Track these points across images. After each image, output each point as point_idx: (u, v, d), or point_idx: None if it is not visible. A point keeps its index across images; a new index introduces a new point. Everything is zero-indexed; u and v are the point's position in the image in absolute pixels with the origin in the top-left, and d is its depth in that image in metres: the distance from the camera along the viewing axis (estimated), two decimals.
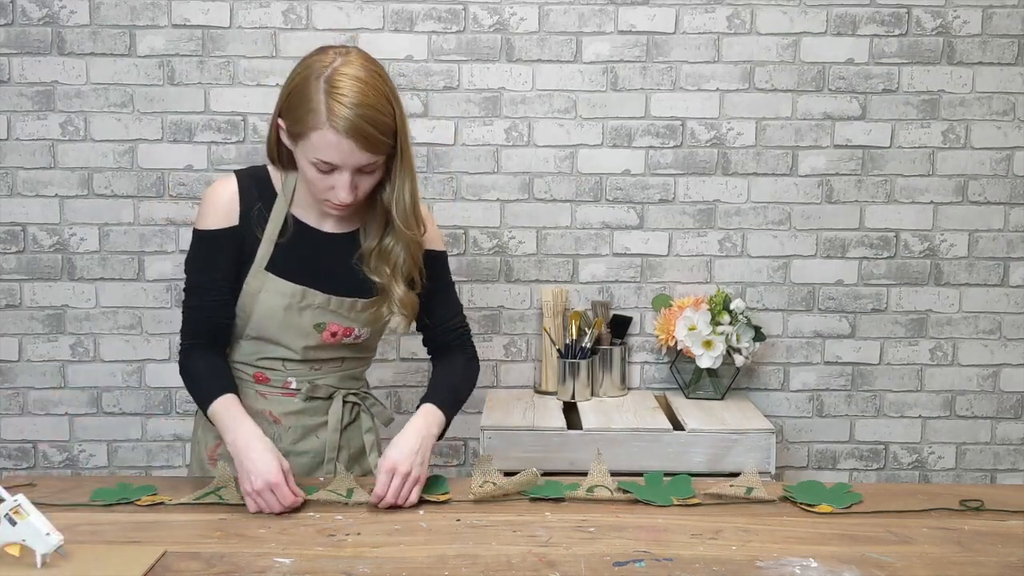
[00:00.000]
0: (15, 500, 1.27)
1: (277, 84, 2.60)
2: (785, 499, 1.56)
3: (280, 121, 1.58)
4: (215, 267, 1.65)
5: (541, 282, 2.68)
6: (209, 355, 1.68)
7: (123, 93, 2.60)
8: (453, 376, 1.76)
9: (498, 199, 2.65)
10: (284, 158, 1.65)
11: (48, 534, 1.26)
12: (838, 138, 2.65)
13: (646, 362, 2.73)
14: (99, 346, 2.67)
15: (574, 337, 2.56)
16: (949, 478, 2.74)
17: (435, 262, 1.76)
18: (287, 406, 1.72)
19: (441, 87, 2.61)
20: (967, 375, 2.72)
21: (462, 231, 2.66)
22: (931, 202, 2.67)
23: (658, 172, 2.66)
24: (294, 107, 1.53)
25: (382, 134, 1.52)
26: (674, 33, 2.61)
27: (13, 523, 1.26)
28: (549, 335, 2.61)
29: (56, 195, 2.63)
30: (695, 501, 1.55)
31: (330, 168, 1.53)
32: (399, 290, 1.66)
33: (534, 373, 2.71)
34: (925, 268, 2.69)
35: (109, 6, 2.57)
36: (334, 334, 1.69)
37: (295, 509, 1.51)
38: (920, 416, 2.73)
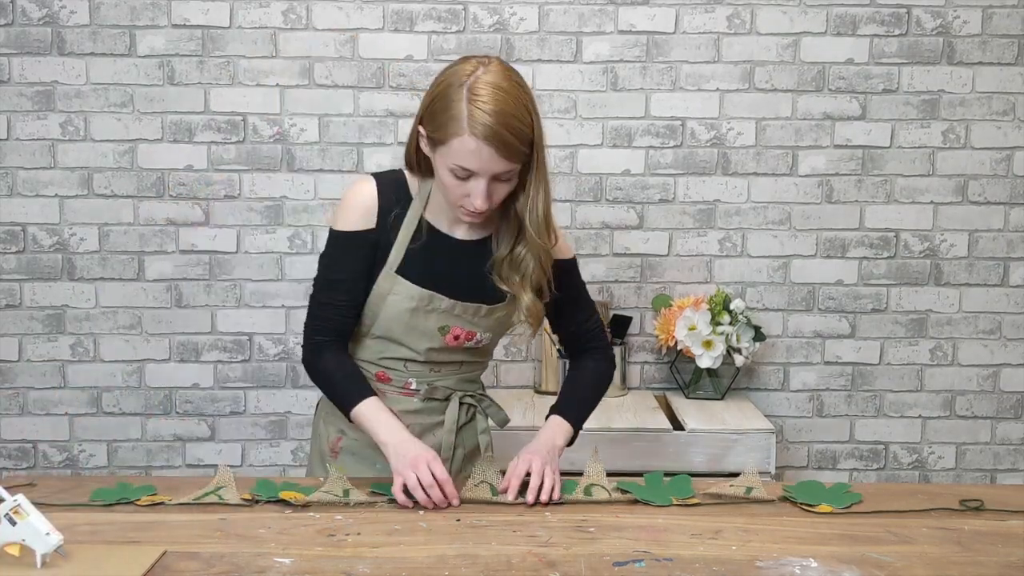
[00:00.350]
0: (15, 500, 1.27)
1: (277, 84, 2.60)
2: (785, 499, 1.56)
3: (421, 128, 1.60)
4: (349, 267, 1.67)
5: None
6: (340, 355, 1.70)
7: (123, 93, 2.60)
8: (583, 387, 1.81)
9: None
10: (422, 165, 1.67)
11: (48, 534, 1.26)
12: (838, 138, 2.65)
13: (646, 362, 2.72)
14: (99, 346, 2.67)
15: None
16: (949, 478, 2.74)
17: (566, 271, 1.78)
18: (406, 405, 1.74)
19: None
20: (967, 375, 2.72)
21: None
22: (931, 202, 2.67)
23: (658, 172, 2.66)
24: (436, 114, 1.55)
25: (520, 142, 1.54)
26: (674, 33, 2.61)
27: (13, 523, 1.26)
28: (549, 335, 2.61)
29: (56, 195, 2.62)
30: (695, 501, 1.55)
31: (467, 175, 1.55)
32: (527, 298, 1.69)
33: (534, 373, 2.71)
34: (925, 268, 2.69)
35: (109, 6, 2.57)
36: (456, 337, 1.71)
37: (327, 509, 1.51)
38: (920, 416, 2.73)
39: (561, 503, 1.56)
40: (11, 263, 2.64)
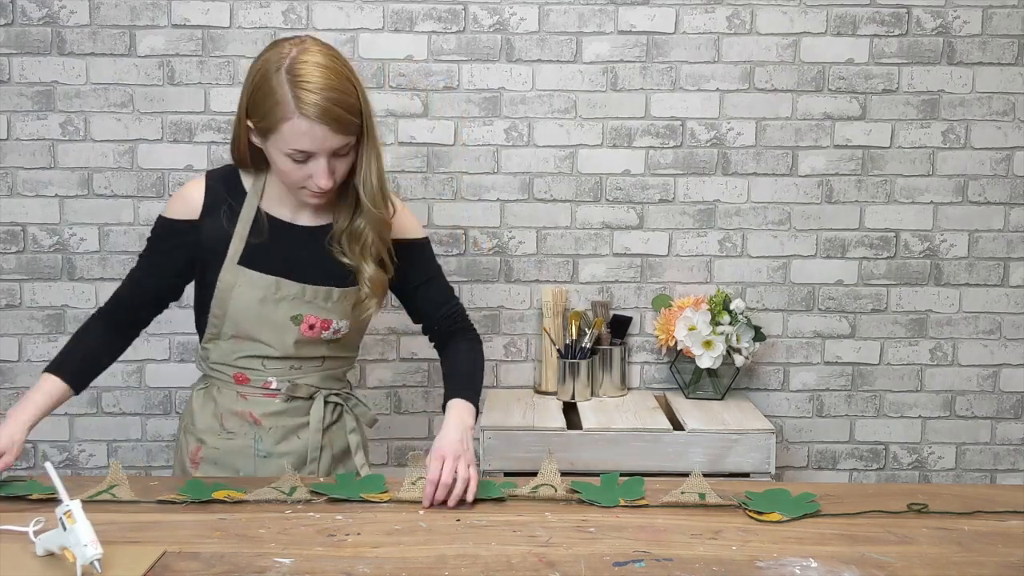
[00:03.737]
0: (67, 506, 1.25)
1: None
2: (738, 506, 1.53)
3: (249, 123, 1.59)
4: (161, 252, 1.71)
5: (541, 282, 2.68)
6: (103, 332, 1.73)
7: (123, 93, 2.60)
8: (465, 364, 1.78)
9: (498, 199, 2.65)
10: (254, 158, 1.66)
11: (86, 545, 1.21)
12: (838, 138, 2.65)
13: (646, 362, 2.72)
14: None
15: (574, 337, 2.56)
16: (949, 478, 2.74)
17: (417, 250, 1.77)
18: (268, 407, 1.72)
19: (441, 87, 2.61)
20: (967, 375, 2.72)
21: (462, 231, 2.66)
22: (931, 202, 2.67)
23: (658, 172, 2.66)
24: (259, 103, 1.54)
25: (351, 114, 1.54)
26: (674, 33, 2.61)
27: (64, 528, 1.23)
28: (549, 335, 2.61)
29: (56, 195, 2.62)
30: (643, 502, 1.54)
31: (305, 157, 1.54)
32: (369, 268, 1.67)
33: (534, 373, 2.71)
34: (925, 268, 2.69)
35: (109, 6, 2.57)
36: (312, 327, 1.69)
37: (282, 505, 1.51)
38: (920, 416, 2.73)
39: (502, 501, 1.54)
40: (11, 263, 2.64)
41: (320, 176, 1.55)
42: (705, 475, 1.62)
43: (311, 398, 1.74)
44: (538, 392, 2.67)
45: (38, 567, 1.27)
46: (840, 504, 1.54)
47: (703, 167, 2.66)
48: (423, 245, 1.80)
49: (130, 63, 2.59)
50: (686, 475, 1.62)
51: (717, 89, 2.63)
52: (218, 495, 1.54)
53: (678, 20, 2.61)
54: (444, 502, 1.52)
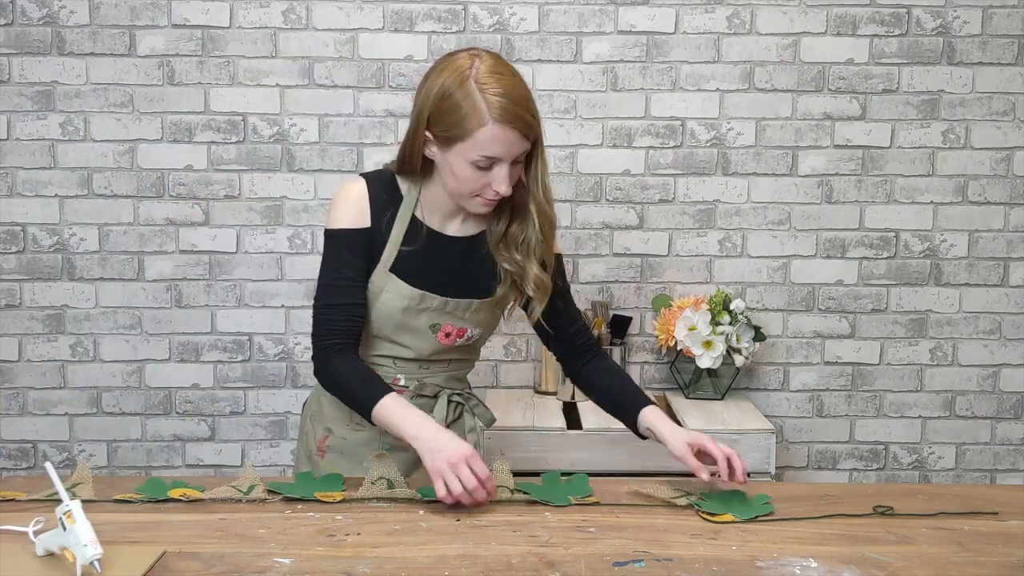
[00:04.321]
0: (67, 506, 1.24)
1: (277, 84, 2.60)
2: (689, 506, 1.53)
3: (427, 133, 1.59)
4: (349, 266, 1.66)
5: None
6: (351, 357, 1.65)
7: (123, 93, 2.60)
8: (628, 379, 1.81)
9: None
10: (421, 169, 1.66)
11: (85, 545, 1.21)
12: (838, 138, 2.65)
13: (646, 362, 2.72)
14: (99, 346, 2.67)
15: None
16: (949, 478, 2.74)
17: (559, 264, 1.79)
18: None
19: None
20: (967, 375, 2.72)
21: None
22: (931, 202, 2.67)
23: (658, 172, 2.66)
24: (447, 114, 1.55)
25: (535, 119, 1.58)
26: (674, 33, 2.61)
27: (64, 528, 1.23)
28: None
29: (56, 195, 2.62)
30: (592, 500, 1.54)
31: (490, 164, 1.56)
32: (534, 269, 1.68)
33: (534, 373, 2.71)
34: (925, 268, 2.69)
35: (109, 6, 2.57)
36: (448, 335, 1.72)
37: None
38: (920, 416, 2.73)
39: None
40: (11, 263, 2.64)
41: (501, 182, 1.57)
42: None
43: (435, 396, 1.76)
44: (538, 392, 2.67)
45: (38, 567, 1.27)
46: (840, 504, 1.54)
47: (703, 167, 2.66)
48: (559, 259, 1.81)
49: (130, 63, 2.59)
50: (686, 475, 1.62)
51: (717, 89, 2.63)
52: (174, 493, 1.54)
53: (678, 20, 2.61)
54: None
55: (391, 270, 1.67)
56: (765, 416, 2.50)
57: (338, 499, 1.54)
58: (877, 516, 1.49)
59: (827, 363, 2.72)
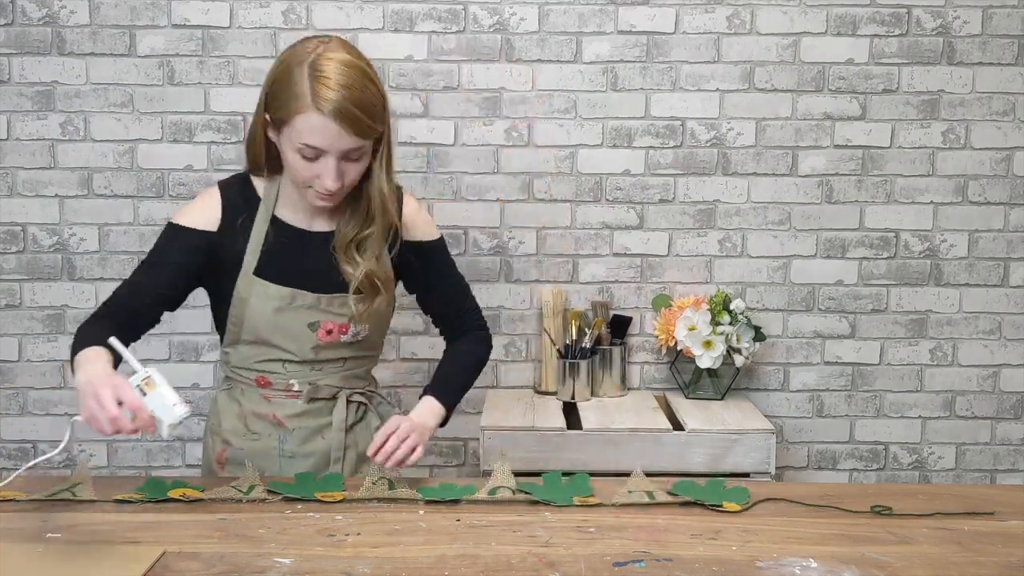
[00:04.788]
0: (146, 372, 1.31)
1: None
2: (693, 503, 1.53)
3: (266, 114, 1.58)
4: (168, 256, 1.65)
5: (541, 282, 2.68)
6: (99, 326, 1.54)
7: (123, 93, 2.60)
8: (460, 368, 1.81)
9: (498, 199, 2.65)
10: (269, 160, 1.65)
11: (175, 405, 1.30)
12: (838, 138, 2.65)
13: (646, 362, 2.72)
14: None
15: (574, 337, 2.56)
16: (949, 478, 2.74)
17: (431, 251, 1.77)
18: (291, 409, 1.72)
19: (441, 87, 2.61)
20: (967, 375, 2.72)
21: (462, 231, 2.66)
22: (931, 202, 2.67)
23: (658, 172, 2.66)
24: (277, 94, 1.53)
25: (369, 118, 1.52)
26: (674, 33, 2.61)
27: (144, 394, 1.30)
28: (549, 335, 2.61)
29: (56, 195, 2.63)
30: (595, 501, 1.54)
31: (315, 154, 1.53)
32: (372, 266, 1.65)
33: (534, 373, 2.71)
34: (925, 268, 2.69)
35: (109, 6, 2.57)
36: (329, 332, 1.69)
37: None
38: (920, 416, 2.73)
39: (457, 503, 1.54)
40: (11, 263, 2.64)
41: (328, 176, 1.53)
42: (705, 475, 1.62)
43: (334, 398, 1.74)
44: (538, 392, 2.67)
45: (40, 565, 1.27)
46: (840, 504, 1.54)
47: (703, 167, 2.66)
48: (436, 246, 1.79)
49: (130, 63, 2.59)
50: (686, 475, 1.63)
51: (717, 89, 2.63)
52: (174, 493, 1.54)
53: (678, 20, 2.61)
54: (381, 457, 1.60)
55: (255, 273, 1.65)
56: (765, 416, 2.50)
57: (338, 499, 1.54)
58: (877, 516, 1.49)
59: (827, 363, 2.72)
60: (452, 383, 1.77)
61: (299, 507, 1.52)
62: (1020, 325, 2.71)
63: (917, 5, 2.60)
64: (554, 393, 2.61)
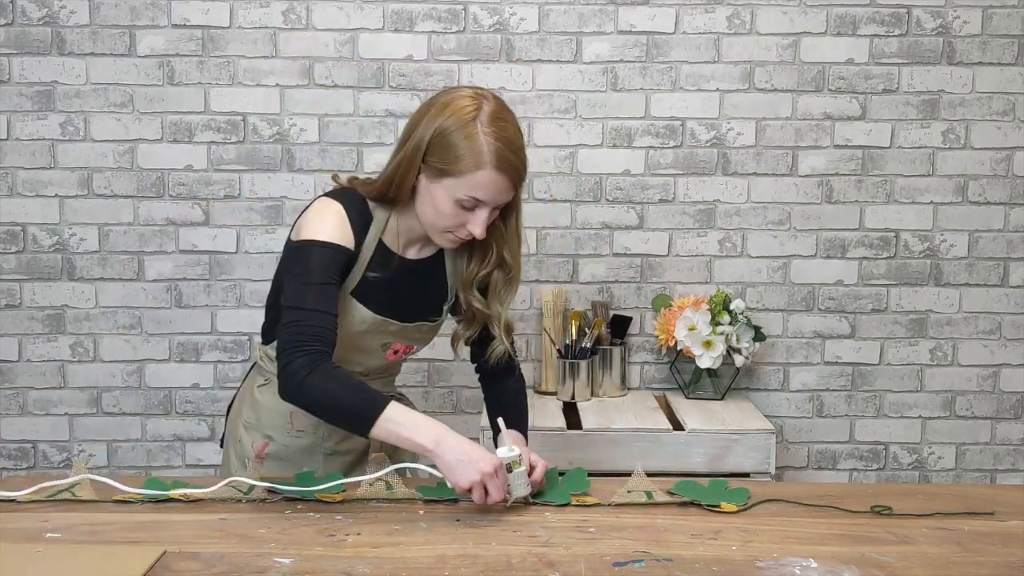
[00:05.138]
0: (518, 454, 1.51)
1: (277, 84, 2.60)
2: (689, 503, 1.54)
3: (425, 159, 1.57)
4: (330, 276, 1.59)
5: (541, 282, 2.68)
6: (338, 369, 1.55)
7: (123, 93, 2.60)
8: (524, 410, 1.86)
9: None
10: (403, 195, 1.63)
11: (525, 484, 1.52)
12: (838, 138, 2.65)
13: (646, 362, 2.72)
14: (99, 346, 2.67)
15: (574, 337, 2.56)
16: (949, 478, 2.74)
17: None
18: None
19: (441, 87, 2.61)
20: (967, 375, 2.72)
21: None
22: (931, 202, 2.67)
23: (658, 172, 2.66)
24: (449, 147, 1.54)
25: (526, 169, 1.60)
26: (674, 33, 2.61)
27: (509, 471, 1.49)
28: (549, 335, 2.61)
29: (56, 195, 2.62)
30: (593, 501, 1.54)
31: (474, 205, 1.57)
32: (503, 313, 1.74)
33: (534, 373, 2.71)
34: (925, 268, 2.69)
35: (109, 6, 2.57)
36: (396, 352, 1.76)
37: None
38: (920, 416, 2.73)
39: (456, 503, 1.55)
40: (11, 263, 2.64)
41: (478, 224, 1.58)
42: (705, 475, 1.62)
43: None
44: (538, 392, 2.67)
45: (40, 565, 1.27)
46: (840, 504, 1.54)
47: (703, 167, 2.66)
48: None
49: (130, 63, 2.59)
50: (686, 475, 1.63)
51: (717, 89, 2.63)
52: (174, 494, 1.54)
53: (678, 20, 2.61)
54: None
55: (352, 294, 1.65)
56: (765, 416, 2.50)
57: (338, 499, 1.54)
58: (877, 516, 1.49)
59: (827, 363, 2.72)
60: (524, 426, 1.83)
61: (299, 507, 1.52)
62: (1020, 325, 2.71)
63: (917, 5, 2.60)
64: (554, 393, 2.61)
